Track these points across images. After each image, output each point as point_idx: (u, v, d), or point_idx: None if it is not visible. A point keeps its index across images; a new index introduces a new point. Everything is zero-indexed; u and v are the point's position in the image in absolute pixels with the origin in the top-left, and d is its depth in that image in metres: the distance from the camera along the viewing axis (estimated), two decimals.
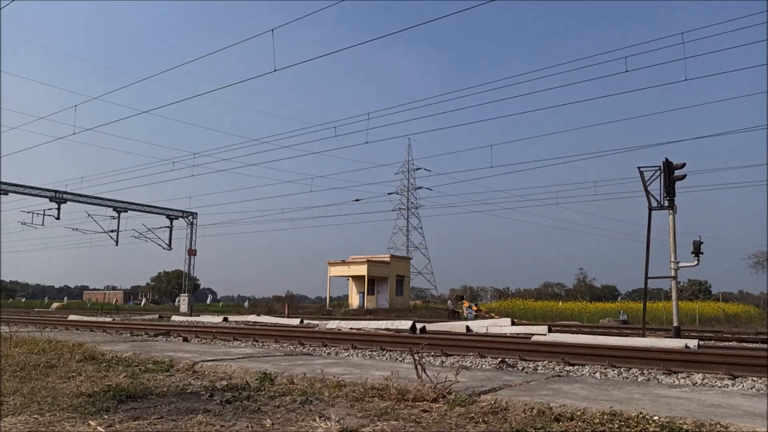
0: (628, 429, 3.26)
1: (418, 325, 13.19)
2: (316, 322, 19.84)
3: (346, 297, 51.57)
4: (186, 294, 41.23)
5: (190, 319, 18.67)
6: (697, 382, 6.64)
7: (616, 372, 7.30)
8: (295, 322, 20.32)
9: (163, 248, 40.41)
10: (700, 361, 7.41)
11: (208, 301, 71.46)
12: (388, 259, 49.08)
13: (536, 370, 7.57)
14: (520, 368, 7.70)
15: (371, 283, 46.92)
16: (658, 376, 6.96)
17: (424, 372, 4.62)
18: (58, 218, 34.65)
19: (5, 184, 32.41)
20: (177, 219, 40.57)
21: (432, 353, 8.96)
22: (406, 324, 13.00)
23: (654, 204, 13.71)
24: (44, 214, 35.58)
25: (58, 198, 34.04)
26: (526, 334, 13.24)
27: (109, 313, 38.33)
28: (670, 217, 13.61)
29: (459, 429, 3.43)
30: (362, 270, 45.98)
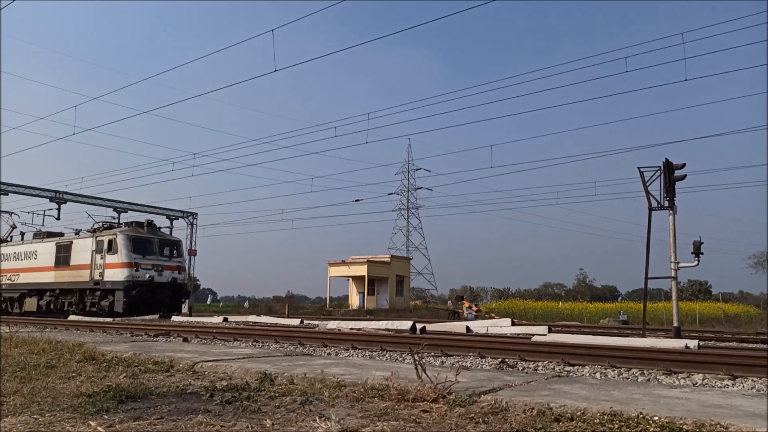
0: (628, 429, 3.26)
1: (418, 326, 13.19)
2: (316, 322, 19.84)
3: (346, 297, 51.57)
4: None
5: (190, 319, 18.71)
6: (697, 383, 6.64)
7: (616, 372, 7.30)
8: (295, 322, 20.32)
9: None
10: (700, 362, 7.40)
11: (208, 302, 71.37)
12: (388, 260, 49.09)
13: (536, 370, 7.57)
14: (521, 368, 7.69)
15: (371, 284, 46.92)
16: (658, 377, 6.96)
17: (425, 372, 4.62)
18: (58, 218, 34.61)
19: (5, 184, 32.40)
20: (177, 219, 40.52)
21: (432, 353, 8.96)
22: (406, 324, 13.00)
23: (654, 204, 13.70)
24: (44, 214, 35.60)
25: (58, 198, 34.02)
26: (526, 334, 13.24)
27: None
28: (670, 217, 13.61)
29: (459, 429, 3.43)
30: (362, 270, 45.98)
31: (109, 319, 18.98)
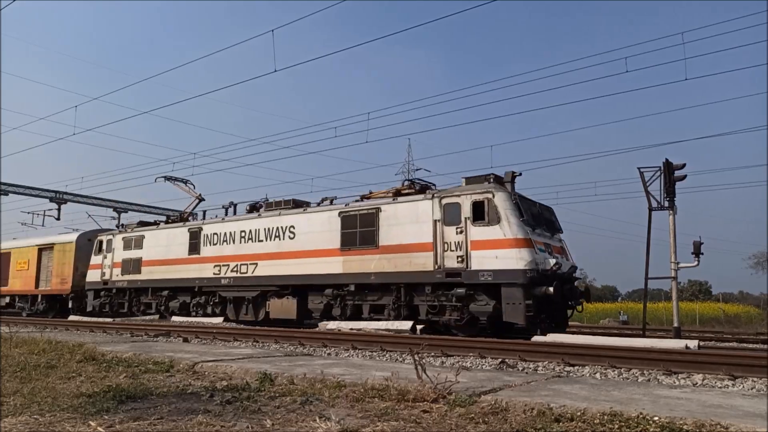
0: (628, 429, 3.27)
1: (418, 326, 13.19)
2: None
3: None
4: None
5: (190, 319, 18.62)
6: (697, 383, 6.64)
7: (616, 372, 7.30)
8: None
9: None
10: (700, 362, 7.40)
11: None
12: None
13: (536, 370, 7.57)
14: (521, 369, 7.70)
15: None
16: (658, 377, 6.96)
17: (425, 372, 4.62)
18: (58, 218, 34.61)
19: (5, 184, 32.41)
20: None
21: (432, 354, 8.96)
22: (406, 324, 12.98)
23: (654, 204, 13.72)
24: (44, 215, 35.58)
25: (58, 198, 34.04)
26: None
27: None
28: (671, 217, 13.61)
29: (459, 429, 3.43)
30: None
31: (109, 320, 18.96)
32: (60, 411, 3.91)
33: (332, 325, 13.70)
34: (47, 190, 34.14)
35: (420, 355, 5.52)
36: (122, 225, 22.99)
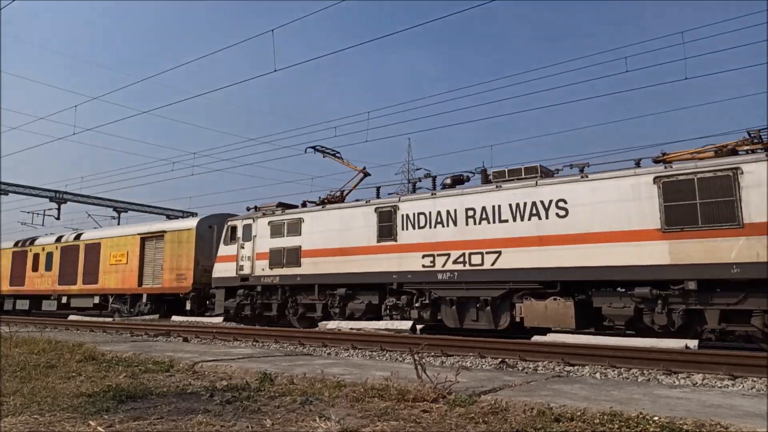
0: (628, 429, 3.27)
1: (418, 326, 13.19)
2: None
3: None
4: None
5: (190, 319, 18.53)
6: (697, 383, 6.64)
7: (616, 372, 7.30)
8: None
9: None
10: (700, 362, 7.40)
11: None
12: None
13: (536, 370, 7.58)
14: (521, 368, 7.70)
15: None
16: (658, 377, 6.96)
17: (424, 372, 4.62)
18: (58, 218, 34.64)
19: (5, 184, 32.42)
20: (177, 219, 40.49)
21: (432, 353, 8.97)
22: (406, 324, 12.97)
23: None
24: (44, 214, 35.61)
25: (58, 198, 34.06)
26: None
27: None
28: None
29: (459, 429, 3.43)
30: None
31: (109, 319, 18.96)
32: (60, 411, 3.92)
33: (332, 324, 13.69)
34: (47, 190, 34.17)
35: (420, 354, 5.53)
36: (255, 207, 18.04)
